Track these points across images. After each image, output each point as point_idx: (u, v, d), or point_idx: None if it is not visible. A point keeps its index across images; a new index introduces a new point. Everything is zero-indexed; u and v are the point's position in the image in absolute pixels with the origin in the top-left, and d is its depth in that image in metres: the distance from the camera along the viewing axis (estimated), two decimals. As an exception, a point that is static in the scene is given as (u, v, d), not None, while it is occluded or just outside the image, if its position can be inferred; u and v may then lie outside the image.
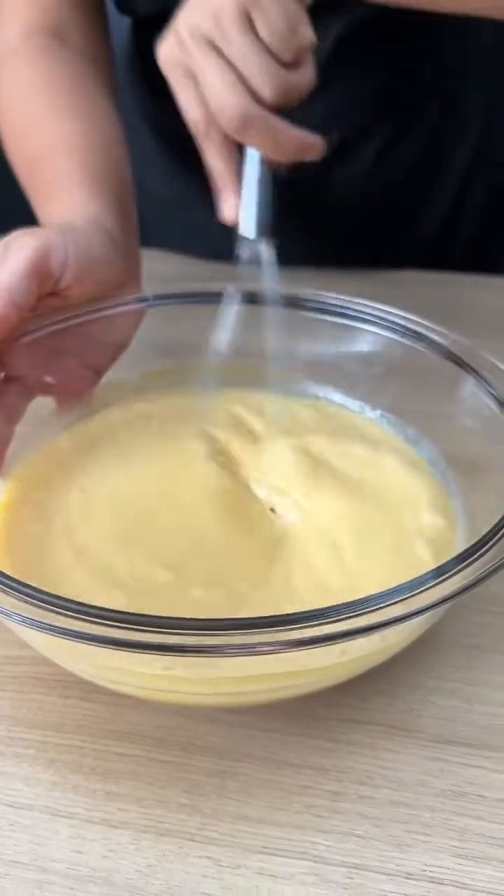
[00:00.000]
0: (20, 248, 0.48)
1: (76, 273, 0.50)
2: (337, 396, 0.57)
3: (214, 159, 0.54)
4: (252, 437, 0.54)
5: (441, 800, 0.42)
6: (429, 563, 0.44)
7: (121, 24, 0.81)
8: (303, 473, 0.51)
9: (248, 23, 0.50)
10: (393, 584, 0.37)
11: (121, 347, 0.55)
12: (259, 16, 0.50)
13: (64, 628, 0.36)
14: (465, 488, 0.50)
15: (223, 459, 0.52)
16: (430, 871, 0.39)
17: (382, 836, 0.41)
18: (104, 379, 0.55)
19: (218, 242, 0.81)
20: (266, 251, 0.53)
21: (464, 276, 0.79)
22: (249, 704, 0.45)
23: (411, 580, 0.38)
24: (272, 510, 0.50)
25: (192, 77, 0.52)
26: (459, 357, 0.49)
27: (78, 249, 0.50)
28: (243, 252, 0.53)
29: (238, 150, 0.54)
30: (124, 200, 0.60)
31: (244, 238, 0.53)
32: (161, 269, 0.80)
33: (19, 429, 0.51)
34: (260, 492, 0.51)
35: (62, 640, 0.36)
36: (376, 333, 0.53)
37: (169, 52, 0.53)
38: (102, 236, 0.53)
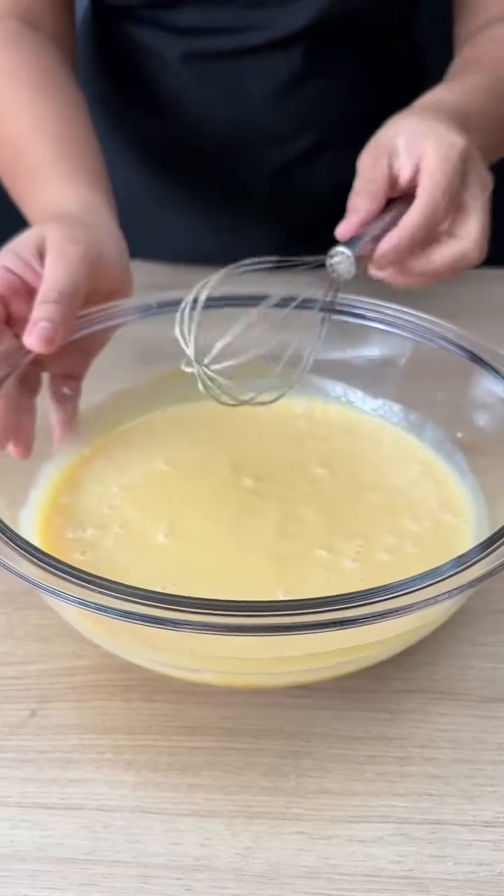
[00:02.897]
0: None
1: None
2: (338, 388, 0.60)
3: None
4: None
5: (499, 753, 0.45)
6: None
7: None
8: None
9: None
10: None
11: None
12: None
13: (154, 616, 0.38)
14: (477, 468, 0.54)
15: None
16: (504, 818, 0.43)
17: (453, 791, 0.44)
18: (114, 389, 0.57)
19: (182, 244, 0.83)
20: None
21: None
22: (313, 682, 0.48)
23: (437, 566, 0.41)
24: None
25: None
26: (467, 349, 0.53)
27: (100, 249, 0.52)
28: None
29: None
30: (110, 192, 0.62)
31: None
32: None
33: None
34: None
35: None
36: (381, 329, 0.56)
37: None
38: (117, 235, 0.55)
